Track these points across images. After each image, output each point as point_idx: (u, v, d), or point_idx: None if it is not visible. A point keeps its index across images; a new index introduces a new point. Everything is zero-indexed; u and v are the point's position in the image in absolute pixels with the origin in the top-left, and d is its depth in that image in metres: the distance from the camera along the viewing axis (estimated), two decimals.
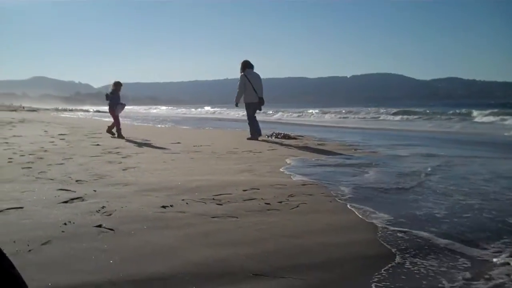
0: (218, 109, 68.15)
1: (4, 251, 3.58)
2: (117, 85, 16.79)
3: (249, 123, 14.73)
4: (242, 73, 14.52)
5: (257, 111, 14.78)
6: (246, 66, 14.51)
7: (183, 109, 74.77)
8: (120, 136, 15.78)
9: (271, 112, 49.76)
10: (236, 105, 14.99)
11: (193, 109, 62.05)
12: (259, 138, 14.42)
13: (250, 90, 14.36)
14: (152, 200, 5.47)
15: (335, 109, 50.70)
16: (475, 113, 32.06)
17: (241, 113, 41.75)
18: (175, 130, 22.25)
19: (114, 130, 16.32)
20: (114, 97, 16.58)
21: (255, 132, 14.54)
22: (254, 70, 14.72)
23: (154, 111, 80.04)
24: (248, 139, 14.42)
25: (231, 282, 3.23)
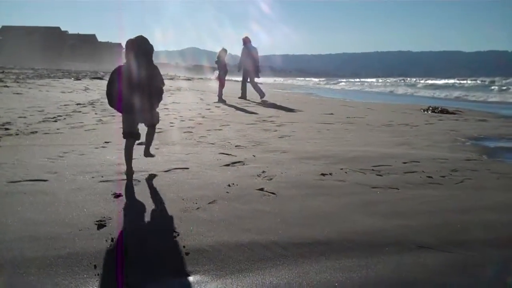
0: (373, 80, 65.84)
1: (175, 207, 3.79)
2: (222, 52, 16.98)
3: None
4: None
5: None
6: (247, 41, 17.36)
7: (337, 79, 73.40)
8: (221, 100, 16.04)
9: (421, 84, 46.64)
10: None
11: (343, 81, 60.82)
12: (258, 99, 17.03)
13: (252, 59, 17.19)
14: (310, 168, 5.47)
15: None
16: None
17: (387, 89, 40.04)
18: (324, 100, 22.14)
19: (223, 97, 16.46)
20: (220, 64, 16.92)
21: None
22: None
23: (311, 83, 79.23)
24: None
25: (397, 252, 3.12)
